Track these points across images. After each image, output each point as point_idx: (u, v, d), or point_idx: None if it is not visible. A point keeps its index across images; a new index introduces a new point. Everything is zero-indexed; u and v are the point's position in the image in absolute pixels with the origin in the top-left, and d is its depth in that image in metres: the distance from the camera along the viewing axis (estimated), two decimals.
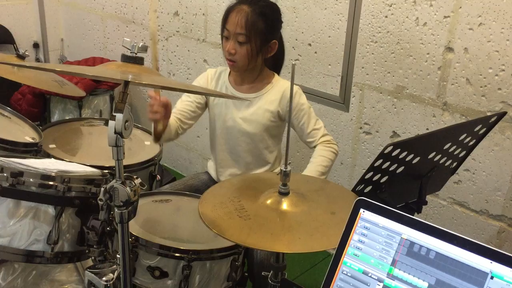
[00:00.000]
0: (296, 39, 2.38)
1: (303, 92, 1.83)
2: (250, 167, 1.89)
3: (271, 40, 1.75)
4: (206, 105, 1.91)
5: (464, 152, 1.54)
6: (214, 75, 1.90)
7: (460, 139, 1.44)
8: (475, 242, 0.81)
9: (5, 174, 1.35)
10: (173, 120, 1.79)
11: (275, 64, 1.89)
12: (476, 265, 0.81)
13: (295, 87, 1.80)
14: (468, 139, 1.47)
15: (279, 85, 1.83)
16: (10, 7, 3.56)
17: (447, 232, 0.84)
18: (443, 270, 0.83)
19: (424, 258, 0.85)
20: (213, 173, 1.99)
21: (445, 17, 1.90)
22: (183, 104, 1.86)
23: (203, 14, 2.79)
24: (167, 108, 1.61)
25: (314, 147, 1.81)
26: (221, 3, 2.68)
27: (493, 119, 1.49)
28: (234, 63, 1.74)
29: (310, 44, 2.36)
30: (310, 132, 1.81)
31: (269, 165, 1.90)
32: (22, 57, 1.92)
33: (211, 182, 1.97)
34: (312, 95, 2.37)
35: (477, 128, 1.47)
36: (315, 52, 2.35)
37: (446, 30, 1.91)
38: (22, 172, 1.36)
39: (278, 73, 1.90)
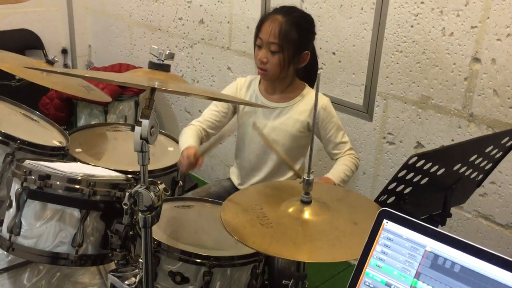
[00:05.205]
0: (320, 48, 2.38)
1: None
2: (274, 176, 1.89)
3: (303, 51, 1.76)
4: (232, 114, 1.93)
5: (490, 165, 1.52)
6: (244, 83, 1.92)
7: (486, 151, 1.42)
8: (501, 257, 0.80)
9: (33, 177, 1.39)
10: (198, 131, 1.85)
11: (307, 75, 1.89)
12: (502, 280, 0.79)
13: (325, 99, 1.82)
14: (494, 151, 1.45)
15: (309, 96, 1.83)
16: (40, 14, 3.66)
17: (473, 245, 0.83)
18: (468, 284, 0.82)
19: (448, 272, 0.84)
20: (235, 180, 2.00)
21: (472, 27, 1.88)
22: (209, 114, 1.89)
23: (228, 22, 2.82)
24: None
25: (338, 159, 1.82)
26: (246, 12, 2.70)
27: None
28: (266, 71, 1.75)
29: (334, 53, 2.35)
30: (338, 145, 1.82)
31: (292, 175, 1.90)
32: (51, 62, 1.96)
33: (233, 189, 1.98)
34: (335, 104, 2.35)
35: (504, 140, 1.44)
36: (339, 61, 2.34)
37: (473, 41, 1.89)
38: (50, 176, 1.39)
39: (311, 85, 1.90)
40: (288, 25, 1.70)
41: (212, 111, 1.89)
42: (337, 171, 1.76)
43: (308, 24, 1.78)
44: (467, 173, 1.44)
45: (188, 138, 1.81)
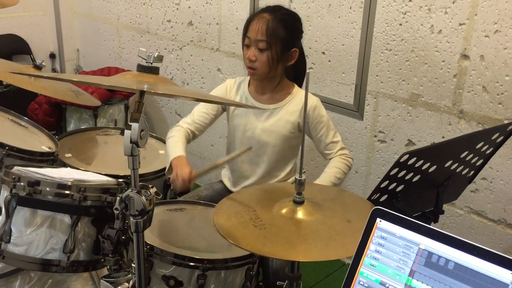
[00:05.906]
0: (310, 48, 2.38)
1: None
2: (267, 177, 1.88)
3: (292, 48, 1.76)
4: (220, 115, 1.92)
5: (481, 161, 1.52)
6: (233, 85, 1.91)
7: (477, 147, 1.42)
8: (495, 253, 0.80)
9: (22, 184, 1.37)
10: (186, 133, 1.84)
11: (296, 75, 1.89)
12: (496, 276, 0.79)
13: (314, 99, 1.81)
14: (485, 147, 1.45)
15: (299, 97, 1.83)
16: (27, 18, 3.62)
17: (466, 242, 0.83)
18: (462, 281, 0.82)
19: (442, 269, 0.84)
20: (227, 183, 1.99)
21: (460, 24, 1.89)
22: (198, 116, 1.87)
23: (217, 23, 2.81)
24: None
25: (330, 159, 1.81)
26: (234, 13, 2.69)
27: (510, 127, 1.47)
28: (255, 70, 1.75)
29: (324, 53, 2.36)
30: (329, 145, 1.81)
31: (284, 175, 1.90)
32: (39, 67, 1.94)
33: (226, 191, 1.97)
34: (326, 103, 2.35)
35: (494, 136, 1.45)
36: (329, 61, 2.35)
37: (461, 38, 1.90)
38: (39, 181, 1.38)
39: (299, 85, 1.90)
40: (275, 22, 1.70)
41: (201, 113, 1.87)
42: (327, 176, 1.76)
43: (294, 21, 1.78)
44: (458, 170, 1.45)
45: (178, 144, 1.79)
